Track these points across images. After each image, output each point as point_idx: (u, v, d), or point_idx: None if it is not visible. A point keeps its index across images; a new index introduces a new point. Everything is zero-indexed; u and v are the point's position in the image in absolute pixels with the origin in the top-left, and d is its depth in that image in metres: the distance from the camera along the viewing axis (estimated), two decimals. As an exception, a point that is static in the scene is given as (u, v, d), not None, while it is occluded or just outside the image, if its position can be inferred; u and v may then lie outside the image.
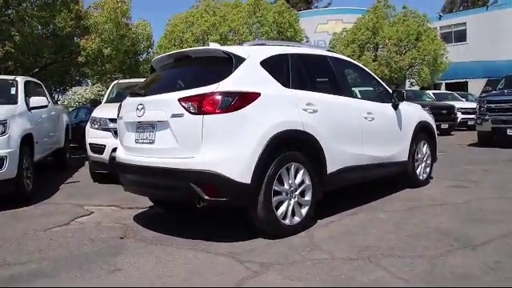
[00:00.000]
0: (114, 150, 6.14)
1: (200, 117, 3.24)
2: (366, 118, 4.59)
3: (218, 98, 3.26)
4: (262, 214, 3.45)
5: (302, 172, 3.74)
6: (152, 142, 3.59)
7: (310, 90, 4.03)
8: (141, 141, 3.71)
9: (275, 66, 3.79)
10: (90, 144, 6.56)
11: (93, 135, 6.56)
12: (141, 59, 16.19)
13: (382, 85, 5.25)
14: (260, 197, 3.41)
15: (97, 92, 22.58)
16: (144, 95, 3.78)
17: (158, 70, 4.22)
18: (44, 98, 6.58)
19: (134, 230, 3.96)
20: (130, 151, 3.90)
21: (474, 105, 17.74)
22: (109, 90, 8.10)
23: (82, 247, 3.49)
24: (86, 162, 7.56)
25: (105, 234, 3.86)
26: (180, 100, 3.33)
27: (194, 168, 3.24)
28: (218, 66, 3.62)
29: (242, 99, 3.33)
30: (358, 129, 4.47)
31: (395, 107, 5.15)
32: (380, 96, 5.16)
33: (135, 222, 4.25)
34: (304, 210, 3.78)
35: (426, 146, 5.77)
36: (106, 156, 6.36)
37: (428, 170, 5.85)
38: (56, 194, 5.85)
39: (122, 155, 4.00)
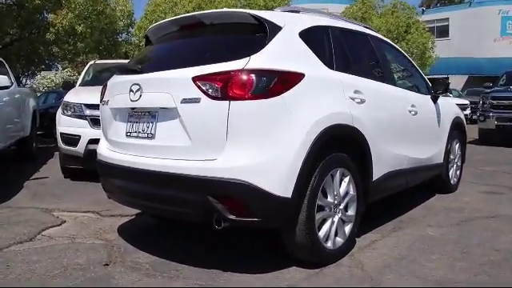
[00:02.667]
0: (91, 141, 5.23)
1: (225, 103, 2.29)
2: (410, 112, 3.75)
3: (251, 77, 2.32)
4: (301, 236, 2.55)
5: (347, 180, 2.87)
6: (151, 137, 2.62)
7: (355, 74, 3.14)
8: (134, 134, 2.74)
9: (316, 41, 2.88)
10: (61, 134, 5.52)
11: (65, 123, 5.51)
12: (120, 39, 14.75)
13: (420, 72, 4.43)
14: (301, 215, 2.51)
15: (67, 77, 21.10)
16: (141, 72, 2.78)
17: (155, 42, 3.22)
18: (5, 76, 5.45)
19: (121, 251, 2.99)
20: (117, 147, 2.92)
21: (461, 101, 17.49)
22: (84, 72, 6.99)
23: (51, 281, 2.51)
24: (56, 153, 6.49)
25: (82, 256, 2.88)
26: (196, 79, 2.37)
27: (214, 175, 2.30)
28: (244, 36, 2.67)
29: (283, 81, 2.41)
30: (403, 125, 3.63)
31: (434, 100, 4.35)
32: (418, 86, 4.33)
33: (121, 238, 3.28)
34: (347, 228, 2.92)
35: (457, 145, 5.03)
36: (80, 149, 5.37)
37: (458, 172, 5.13)
38: (19, 194, 4.79)
39: (107, 152, 3.01)
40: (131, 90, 2.68)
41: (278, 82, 2.38)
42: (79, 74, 7.53)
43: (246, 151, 2.30)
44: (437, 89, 4.35)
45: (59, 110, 5.71)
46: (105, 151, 3.05)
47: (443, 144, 4.54)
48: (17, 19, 11.16)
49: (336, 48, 3.02)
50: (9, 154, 7.03)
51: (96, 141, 5.01)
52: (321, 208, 2.66)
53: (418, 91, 4.23)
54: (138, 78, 2.70)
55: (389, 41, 4.10)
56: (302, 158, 2.41)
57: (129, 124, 2.79)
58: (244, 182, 2.27)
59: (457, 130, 4.93)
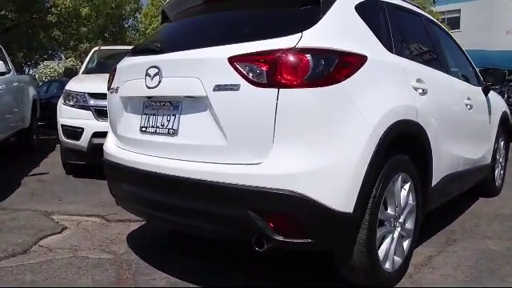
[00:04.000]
0: (95, 134, 4.77)
1: (272, 91, 1.78)
2: (466, 106, 3.24)
3: (306, 58, 1.80)
4: (360, 258, 2.04)
5: (407, 187, 2.36)
6: (173, 133, 2.10)
7: (413, 59, 2.63)
8: (151, 129, 2.22)
9: (373, 17, 2.35)
10: (62, 126, 5.03)
11: (67, 114, 5.01)
12: (126, 25, 14.14)
13: (470, 61, 3.91)
14: (361, 232, 2.00)
15: (71, 66, 20.62)
16: (160, 52, 2.24)
17: (175, 18, 2.69)
18: (0, 62, 4.93)
19: (132, 270, 2.50)
20: (129, 145, 2.41)
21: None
22: (88, 58, 6.46)
23: (48, 312, 2.02)
24: (58, 146, 6.00)
25: (86, 276, 2.39)
26: (233, 60, 1.85)
27: (257, 184, 1.79)
28: (292, 7, 2.14)
29: (344, 64, 1.89)
30: (461, 120, 3.13)
31: (486, 92, 3.84)
32: (469, 76, 3.81)
33: (132, 251, 2.78)
34: (405, 245, 2.42)
35: (502, 143, 4.51)
36: (83, 143, 4.89)
37: (502, 173, 4.62)
38: (15, 193, 4.32)
39: (115, 151, 2.50)
40: (148, 75, 2.16)
41: (339, 66, 1.86)
42: (82, 64, 7.00)
43: (298, 154, 1.78)
44: (490, 80, 3.83)
45: (60, 100, 5.22)
46: (113, 149, 2.53)
47: (492, 142, 4.04)
48: (15, 1, 10.48)
49: (393, 27, 2.49)
50: (8, 147, 6.54)
51: (101, 134, 4.57)
52: (381, 223, 2.16)
53: (469, 82, 3.71)
54: (157, 60, 2.17)
55: (439, 23, 3.56)
56: (366, 162, 1.90)
57: (144, 117, 2.27)
58: (296, 194, 1.75)
59: (503, 126, 4.42)
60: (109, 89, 2.62)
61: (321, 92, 1.80)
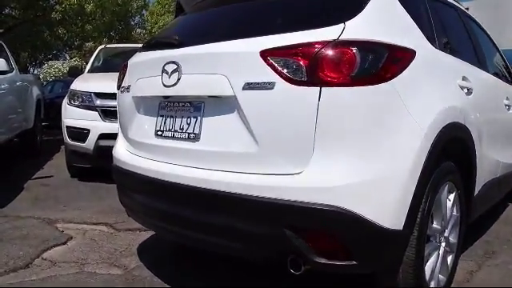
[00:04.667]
0: (102, 136, 4.55)
1: (313, 90, 1.53)
2: (505, 106, 3.00)
3: (352, 52, 1.55)
4: (405, 279, 1.80)
5: (452, 198, 2.12)
6: (194, 138, 1.86)
7: (456, 55, 2.38)
8: (168, 133, 1.98)
9: (415, 8, 2.10)
10: (67, 127, 4.81)
11: (72, 115, 4.80)
12: (132, 22, 13.85)
13: (504, 58, 3.66)
14: (408, 251, 1.75)
15: (75, 65, 20.50)
16: (178, 46, 1.98)
17: (192, 10, 2.44)
18: (3, 60, 4.72)
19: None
20: (142, 150, 2.16)
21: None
22: (94, 57, 6.24)
23: None
24: (63, 147, 5.79)
25: (95, 295, 2.16)
26: (266, 54, 1.60)
27: (296, 198, 1.54)
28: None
29: (393, 60, 1.65)
30: (501, 122, 2.89)
31: (519, 91, 3.58)
32: (504, 74, 3.56)
33: (144, 266, 2.54)
34: (449, 261, 2.18)
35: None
36: (89, 145, 4.68)
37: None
38: (17, 199, 4.10)
39: (127, 156, 2.26)
40: (165, 71, 1.91)
41: (388, 62, 1.61)
42: (87, 64, 6.78)
43: (343, 163, 1.54)
44: (523, 78, 3.58)
45: (65, 100, 5.02)
46: (124, 154, 2.29)
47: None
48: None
49: (435, 20, 2.25)
50: (11, 149, 6.33)
51: (108, 136, 4.36)
52: (428, 239, 1.92)
53: (506, 81, 3.47)
54: (176, 54, 1.92)
55: (474, 17, 3.31)
56: (418, 172, 1.65)
57: (160, 119, 2.03)
58: (341, 210, 1.51)
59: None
60: (119, 88, 2.38)
61: (369, 91, 1.55)
